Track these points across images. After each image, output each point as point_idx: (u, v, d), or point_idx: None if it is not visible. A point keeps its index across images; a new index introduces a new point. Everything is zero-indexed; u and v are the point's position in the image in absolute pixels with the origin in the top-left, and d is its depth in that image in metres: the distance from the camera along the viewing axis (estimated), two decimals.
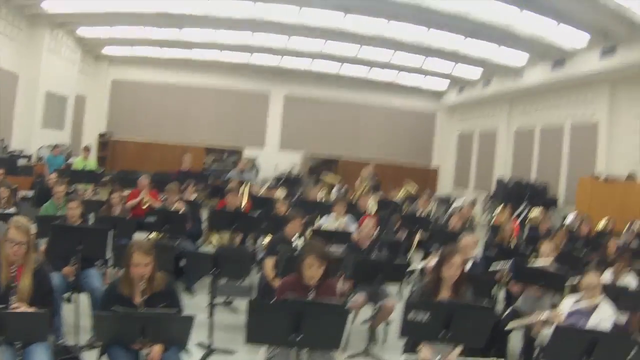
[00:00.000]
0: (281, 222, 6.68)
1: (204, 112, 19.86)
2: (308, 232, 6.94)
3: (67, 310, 5.14)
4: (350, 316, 5.38)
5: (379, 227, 7.11)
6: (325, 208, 8.67)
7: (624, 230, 9.29)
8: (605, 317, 4.12)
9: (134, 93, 19.50)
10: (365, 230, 6.25)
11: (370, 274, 5.27)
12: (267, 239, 6.80)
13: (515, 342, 5.40)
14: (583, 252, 7.45)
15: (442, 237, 7.46)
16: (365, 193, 11.57)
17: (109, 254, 5.55)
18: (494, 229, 9.41)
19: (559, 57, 13.34)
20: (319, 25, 13.52)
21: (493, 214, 12.09)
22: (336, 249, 6.33)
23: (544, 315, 4.24)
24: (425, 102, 21.36)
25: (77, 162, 12.70)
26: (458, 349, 3.85)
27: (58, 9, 13.33)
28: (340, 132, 20.78)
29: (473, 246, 5.81)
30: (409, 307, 3.58)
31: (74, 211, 5.89)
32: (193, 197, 9.30)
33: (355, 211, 8.82)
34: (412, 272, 6.98)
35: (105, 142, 19.13)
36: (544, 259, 5.76)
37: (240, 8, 12.85)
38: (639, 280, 6.00)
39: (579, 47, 12.46)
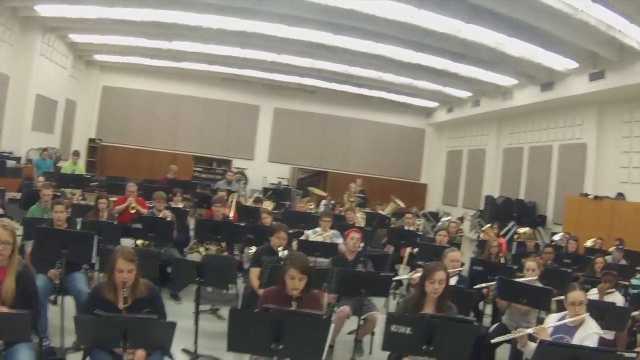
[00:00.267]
0: (267, 233, 6.65)
1: (193, 121, 19.86)
2: (294, 244, 6.93)
3: (52, 313, 5.11)
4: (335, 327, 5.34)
5: (364, 240, 7.08)
6: (312, 220, 8.65)
7: (612, 248, 9.35)
8: (590, 332, 4.13)
9: (124, 100, 19.45)
10: (351, 243, 6.24)
11: (354, 287, 5.25)
12: (254, 249, 6.77)
13: (504, 356, 5.39)
14: (570, 269, 7.47)
15: (429, 251, 7.46)
16: (353, 206, 11.59)
17: (94, 259, 5.50)
18: (481, 245, 9.45)
19: (548, 80, 13.48)
20: (308, 42, 13.60)
21: (481, 230, 12.15)
22: (322, 261, 6.32)
23: (530, 330, 4.24)
24: (415, 118, 21.54)
25: (66, 166, 12.60)
26: None
27: (51, 13, 13.35)
28: (330, 146, 20.87)
29: (457, 261, 5.80)
30: (391, 320, 3.58)
31: (60, 215, 5.89)
32: (180, 205, 9.27)
33: (342, 224, 8.80)
34: (399, 282, 6.94)
35: (94, 147, 19.02)
36: (529, 275, 5.77)
37: (230, 23, 12.87)
38: (624, 298, 6.03)
39: (568, 69, 12.63)
